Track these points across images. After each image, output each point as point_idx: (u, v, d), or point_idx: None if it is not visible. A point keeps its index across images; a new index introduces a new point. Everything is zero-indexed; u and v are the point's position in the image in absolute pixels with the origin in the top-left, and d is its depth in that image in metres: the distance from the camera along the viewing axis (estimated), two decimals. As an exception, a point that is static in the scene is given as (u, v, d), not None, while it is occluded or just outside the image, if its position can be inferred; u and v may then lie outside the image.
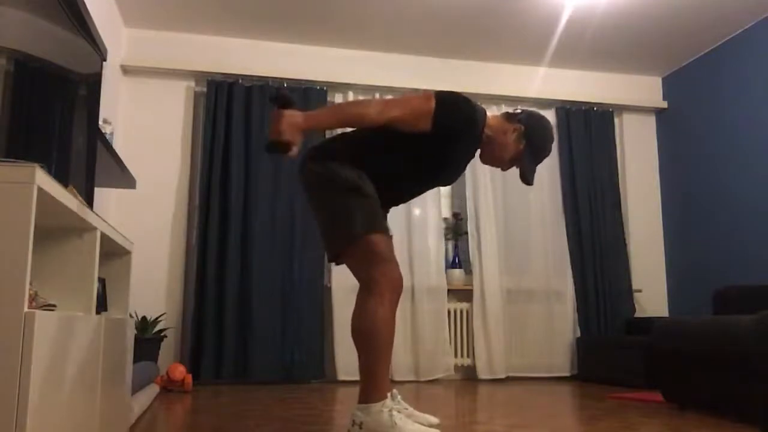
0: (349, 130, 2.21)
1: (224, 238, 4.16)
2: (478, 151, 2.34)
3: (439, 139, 2.12)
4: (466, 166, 2.36)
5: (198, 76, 4.43)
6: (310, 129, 2.01)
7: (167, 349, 4.06)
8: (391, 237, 2.19)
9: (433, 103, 2.10)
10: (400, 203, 2.39)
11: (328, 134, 3.72)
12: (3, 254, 1.09)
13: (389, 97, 4.57)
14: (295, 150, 1.97)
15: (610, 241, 4.74)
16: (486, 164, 2.36)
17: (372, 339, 2.01)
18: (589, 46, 4.59)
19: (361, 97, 4.58)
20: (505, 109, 4.46)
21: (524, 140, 2.24)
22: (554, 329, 4.59)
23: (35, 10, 1.85)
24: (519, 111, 2.33)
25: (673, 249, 4.91)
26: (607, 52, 4.69)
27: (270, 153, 2.00)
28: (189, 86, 4.44)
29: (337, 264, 2.20)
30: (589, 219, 4.74)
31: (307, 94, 4.46)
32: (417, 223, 4.52)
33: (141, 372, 2.96)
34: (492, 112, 2.55)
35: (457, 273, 4.60)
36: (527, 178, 2.27)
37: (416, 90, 4.58)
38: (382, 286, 2.04)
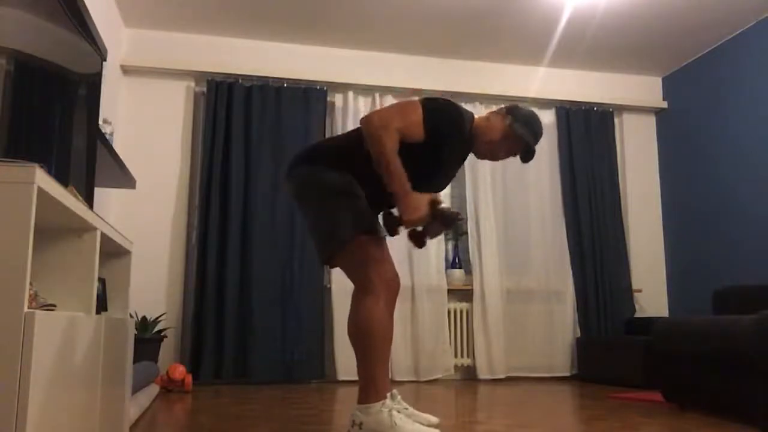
0: (335, 134, 2.18)
1: (224, 238, 4.16)
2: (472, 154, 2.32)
3: (429, 145, 2.12)
4: (456, 170, 2.35)
5: (198, 76, 4.43)
6: (407, 192, 2.01)
7: (167, 349, 4.06)
8: (383, 237, 2.18)
9: (420, 110, 2.10)
10: (392, 207, 2.34)
11: (328, 136, 3.69)
12: (3, 254, 1.09)
13: (388, 98, 4.58)
14: (426, 212, 2.02)
15: (610, 241, 4.74)
16: (482, 158, 2.35)
17: (368, 339, 2.01)
18: (589, 46, 4.59)
19: (360, 98, 4.58)
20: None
21: (509, 116, 2.24)
22: (554, 329, 4.59)
23: (35, 10, 1.85)
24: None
25: (673, 249, 4.91)
26: (607, 52, 4.69)
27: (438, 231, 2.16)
28: (189, 86, 4.44)
29: (331, 267, 2.19)
30: (589, 219, 4.74)
31: (307, 94, 4.45)
32: (417, 223, 4.51)
33: (141, 372, 2.96)
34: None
35: (457, 273, 4.60)
36: (527, 153, 2.25)
37: (416, 90, 4.58)
38: (376, 287, 2.04)
